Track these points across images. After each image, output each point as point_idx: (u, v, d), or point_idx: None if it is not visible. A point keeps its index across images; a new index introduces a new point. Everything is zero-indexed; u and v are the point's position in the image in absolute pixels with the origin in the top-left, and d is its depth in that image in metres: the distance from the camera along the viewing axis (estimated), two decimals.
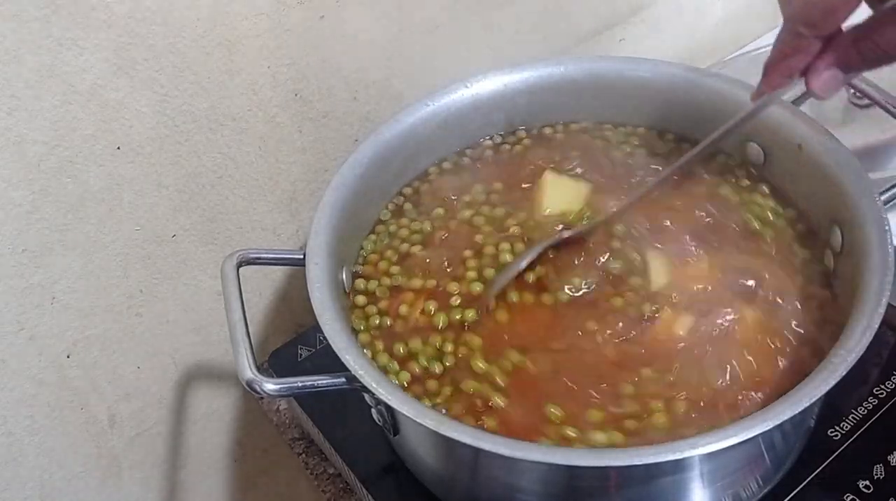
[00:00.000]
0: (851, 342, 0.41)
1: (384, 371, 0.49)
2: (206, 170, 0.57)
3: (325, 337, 0.45)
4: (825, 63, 0.44)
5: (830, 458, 0.50)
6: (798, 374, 0.46)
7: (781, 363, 0.47)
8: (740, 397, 0.45)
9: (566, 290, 0.51)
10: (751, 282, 0.51)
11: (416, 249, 0.55)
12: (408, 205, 0.59)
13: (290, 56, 0.57)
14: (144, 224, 0.56)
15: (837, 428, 0.52)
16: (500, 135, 0.62)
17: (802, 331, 0.48)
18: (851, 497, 0.49)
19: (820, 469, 0.50)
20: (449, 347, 0.49)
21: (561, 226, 0.54)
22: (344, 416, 0.55)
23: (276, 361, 0.61)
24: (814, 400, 0.40)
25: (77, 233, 0.53)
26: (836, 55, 0.44)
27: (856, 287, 0.45)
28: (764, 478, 0.48)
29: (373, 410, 0.47)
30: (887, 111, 0.53)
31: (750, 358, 0.47)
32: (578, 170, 0.58)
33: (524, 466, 0.43)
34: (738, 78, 0.57)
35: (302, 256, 0.50)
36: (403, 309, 0.52)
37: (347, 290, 0.54)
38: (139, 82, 0.51)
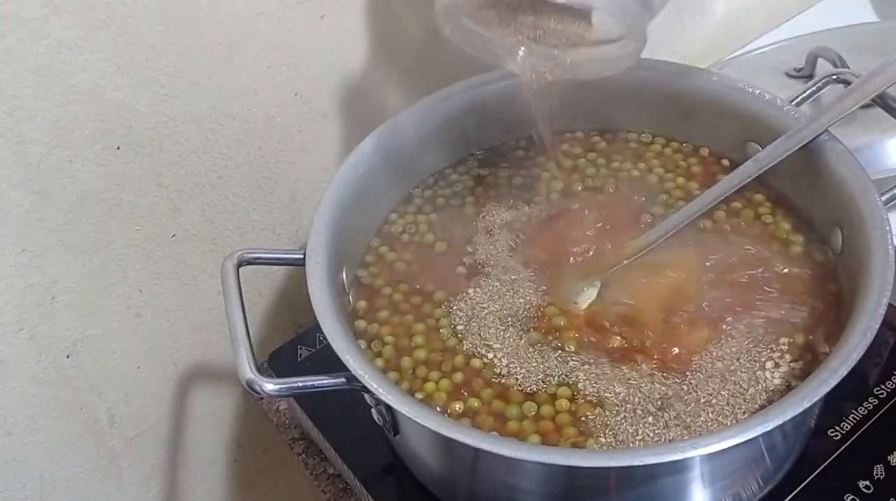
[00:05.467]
0: (851, 342, 0.41)
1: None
2: (206, 170, 0.57)
3: (325, 337, 0.45)
4: None
5: (830, 458, 0.50)
6: (798, 374, 0.47)
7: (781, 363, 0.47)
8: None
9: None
10: (748, 282, 0.51)
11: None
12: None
13: (290, 56, 0.57)
14: (144, 224, 0.56)
15: (837, 428, 0.52)
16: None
17: (802, 331, 0.48)
18: (851, 497, 0.49)
19: (820, 469, 0.50)
20: None
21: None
22: (344, 416, 0.55)
23: (276, 361, 0.61)
24: (814, 400, 0.40)
25: (77, 233, 0.53)
26: None
27: (856, 287, 0.45)
28: (764, 478, 0.48)
29: (373, 410, 0.47)
30: (887, 111, 0.53)
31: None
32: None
33: (524, 466, 0.43)
34: (738, 78, 0.57)
35: (302, 256, 0.50)
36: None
37: (347, 290, 0.54)
38: (139, 82, 0.51)
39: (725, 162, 0.59)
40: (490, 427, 0.46)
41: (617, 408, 0.46)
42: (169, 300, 0.60)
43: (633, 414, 0.45)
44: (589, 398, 0.46)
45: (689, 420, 0.45)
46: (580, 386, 0.47)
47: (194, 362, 0.64)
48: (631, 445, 0.44)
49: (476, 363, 0.49)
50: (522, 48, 0.48)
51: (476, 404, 0.47)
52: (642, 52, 0.47)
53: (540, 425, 0.46)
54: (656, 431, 0.44)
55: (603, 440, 0.45)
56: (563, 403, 0.46)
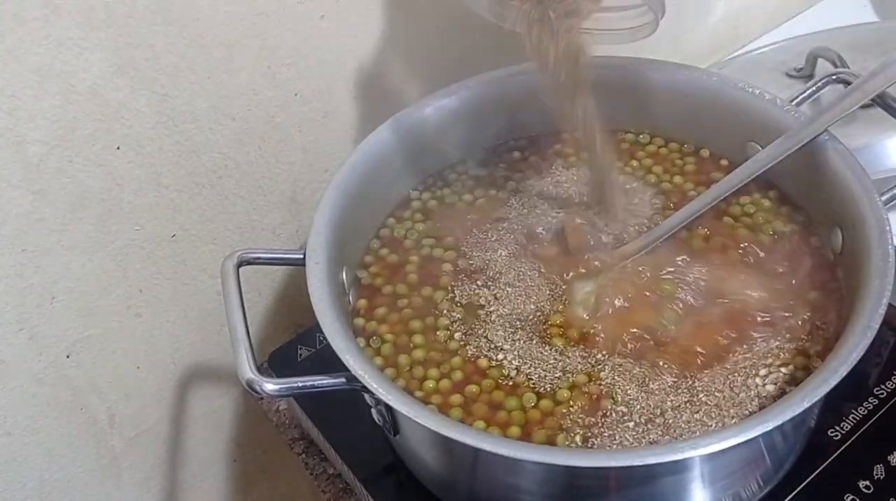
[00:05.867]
0: (852, 342, 0.41)
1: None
2: (206, 170, 0.57)
3: (325, 337, 0.45)
4: None
5: (830, 458, 0.50)
6: (789, 380, 0.47)
7: (781, 363, 0.47)
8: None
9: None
10: (749, 282, 0.51)
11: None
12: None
13: (290, 56, 0.57)
14: (144, 224, 0.56)
15: (837, 428, 0.52)
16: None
17: (801, 333, 0.48)
18: (851, 497, 0.49)
19: (820, 469, 0.50)
20: None
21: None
22: (344, 416, 0.55)
23: (276, 361, 0.61)
24: (814, 400, 0.40)
25: (77, 233, 0.53)
26: None
27: (856, 287, 0.45)
28: (764, 478, 0.48)
29: (373, 410, 0.47)
30: (887, 111, 0.53)
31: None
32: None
33: (524, 466, 0.43)
34: (738, 78, 0.57)
35: (302, 256, 0.50)
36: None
37: (347, 290, 0.54)
38: (139, 82, 0.51)
39: (724, 162, 0.59)
40: (483, 414, 0.47)
41: (615, 409, 0.46)
42: (169, 300, 0.60)
43: (622, 416, 0.45)
44: (603, 391, 0.47)
45: (671, 421, 0.45)
46: (602, 375, 0.47)
47: (194, 362, 0.64)
48: (605, 443, 0.44)
49: (483, 363, 0.49)
50: (536, 13, 0.48)
51: (475, 390, 0.48)
52: (641, 53, 0.47)
53: (528, 415, 0.46)
54: (636, 435, 0.45)
55: (577, 437, 0.45)
56: (564, 393, 0.47)
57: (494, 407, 0.47)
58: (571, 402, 0.46)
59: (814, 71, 0.71)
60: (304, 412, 0.58)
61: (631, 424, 0.45)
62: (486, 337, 0.50)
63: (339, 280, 0.52)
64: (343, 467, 0.56)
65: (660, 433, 0.44)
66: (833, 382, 0.40)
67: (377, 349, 0.51)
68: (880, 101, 0.52)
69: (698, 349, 0.48)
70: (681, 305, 0.50)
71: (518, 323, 0.51)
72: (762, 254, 0.53)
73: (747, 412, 0.45)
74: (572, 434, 0.45)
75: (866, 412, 0.52)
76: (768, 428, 0.39)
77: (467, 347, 0.50)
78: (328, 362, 0.45)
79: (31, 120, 0.47)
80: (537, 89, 0.53)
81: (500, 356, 0.49)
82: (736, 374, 0.46)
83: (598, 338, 0.49)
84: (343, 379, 0.45)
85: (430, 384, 0.48)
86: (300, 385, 0.45)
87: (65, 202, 0.51)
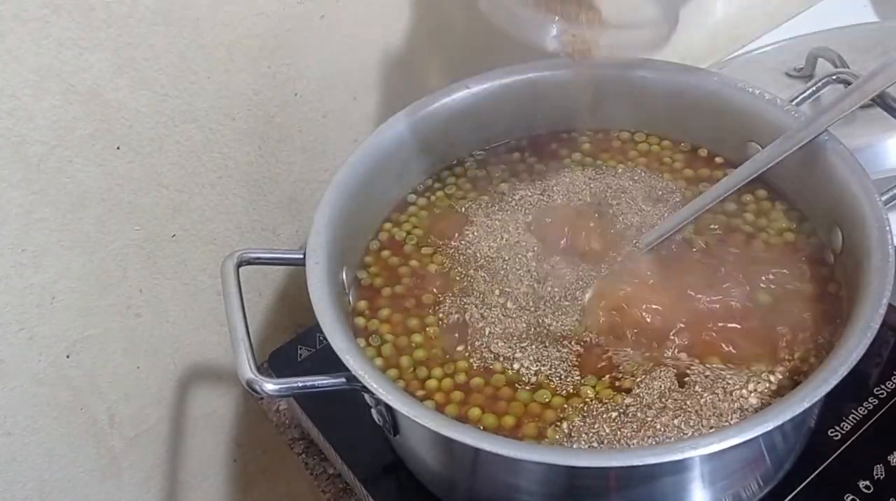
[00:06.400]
0: (851, 342, 0.41)
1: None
2: (206, 170, 0.57)
3: (325, 337, 0.45)
4: None
5: (830, 458, 0.50)
6: (798, 375, 0.47)
7: (781, 364, 0.47)
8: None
9: None
10: (749, 282, 0.51)
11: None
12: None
13: (290, 56, 0.57)
14: (144, 224, 0.56)
15: (837, 428, 0.52)
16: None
17: (802, 332, 0.48)
18: (851, 497, 0.49)
19: (820, 469, 0.50)
20: None
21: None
22: (344, 416, 0.55)
23: (276, 361, 0.61)
24: (814, 400, 0.40)
25: (77, 233, 0.53)
26: None
27: (856, 287, 0.45)
28: (764, 478, 0.48)
29: (373, 410, 0.47)
30: (887, 111, 0.53)
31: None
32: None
33: (524, 466, 0.43)
34: (738, 78, 0.57)
35: (302, 256, 0.50)
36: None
37: (347, 290, 0.54)
38: (139, 82, 0.51)
39: (719, 159, 0.59)
40: (481, 402, 0.47)
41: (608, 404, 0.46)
42: (169, 300, 0.60)
43: (607, 409, 0.46)
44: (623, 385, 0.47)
45: (649, 419, 0.45)
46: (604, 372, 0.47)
47: (194, 362, 0.64)
48: (583, 436, 0.45)
49: (497, 367, 0.49)
50: (555, 27, 0.49)
51: (480, 382, 0.48)
52: (673, 35, 0.47)
53: (528, 408, 0.46)
54: (613, 429, 0.45)
55: (564, 429, 0.45)
56: (587, 391, 0.47)
57: (493, 398, 0.47)
58: (592, 397, 0.46)
59: (814, 71, 0.71)
60: (304, 412, 0.58)
61: (615, 414, 0.45)
62: (489, 348, 0.50)
63: (339, 280, 0.52)
64: (343, 467, 0.56)
65: (634, 428, 0.44)
66: (833, 382, 0.40)
67: (377, 348, 0.51)
68: (880, 101, 0.52)
69: (691, 351, 0.48)
70: (678, 307, 0.50)
71: (522, 324, 0.51)
72: (761, 255, 0.53)
73: (726, 423, 0.44)
74: (561, 427, 0.45)
75: (866, 412, 0.52)
76: (769, 428, 0.39)
77: (472, 358, 0.50)
78: (328, 362, 0.45)
79: (30, 120, 0.48)
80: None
81: (517, 365, 0.49)
82: (723, 381, 0.46)
83: (599, 338, 0.49)
84: (343, 379, 0.45)
85: (432, 383, 0.48)
86: (300, 385, 0.45)
87: (65, 202, 0.51)
